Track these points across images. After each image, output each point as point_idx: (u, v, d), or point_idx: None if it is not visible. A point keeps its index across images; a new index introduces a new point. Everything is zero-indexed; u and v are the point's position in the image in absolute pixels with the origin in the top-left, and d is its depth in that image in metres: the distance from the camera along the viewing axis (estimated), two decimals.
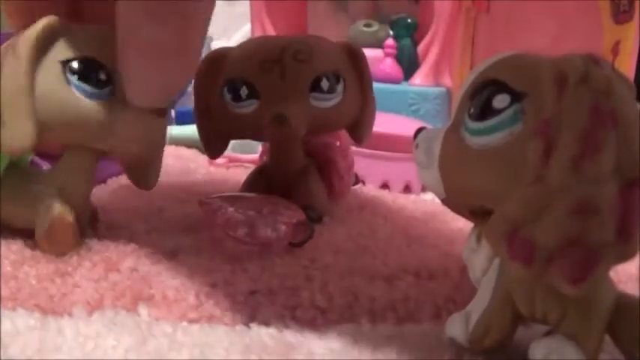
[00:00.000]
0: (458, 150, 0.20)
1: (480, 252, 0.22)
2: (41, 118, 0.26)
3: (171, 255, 0.29)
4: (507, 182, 0.18)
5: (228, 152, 0.48)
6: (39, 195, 0.28)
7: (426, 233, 0.34)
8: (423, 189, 0.45)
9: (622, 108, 0.18)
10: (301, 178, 0.35)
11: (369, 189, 0.44)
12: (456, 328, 0.21)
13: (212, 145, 0.36)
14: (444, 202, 0.22)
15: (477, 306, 0.21)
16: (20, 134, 0.26)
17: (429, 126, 0.24)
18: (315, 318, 0.24)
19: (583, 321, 0.19)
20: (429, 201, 0.42)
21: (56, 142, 0.28)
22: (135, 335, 0.21)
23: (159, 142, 0.30)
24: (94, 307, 0.24)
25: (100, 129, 0.27)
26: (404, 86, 0.63)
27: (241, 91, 0.32)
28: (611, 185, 0.17)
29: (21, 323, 0.22)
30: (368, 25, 0.70)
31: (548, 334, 0.20)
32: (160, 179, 0.32)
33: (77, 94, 0.26)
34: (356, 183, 0.41)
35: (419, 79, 0.64)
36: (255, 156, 0.46)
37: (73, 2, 0.30)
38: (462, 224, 0.30)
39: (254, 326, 0.23)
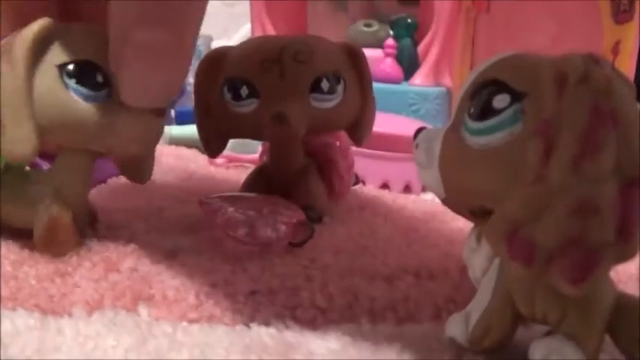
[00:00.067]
0: (458, 150, 0.20)
1: (480, 252, 0.22)
2: (40, 122, 0.26)
3: (171, 255, 0.29)
4: (507, 182, 0.18)
5: (228, 152, 0.48)
6: (37, 195, 0.28)
7: (426, 233, 0.34)
8: (423, 189, 0.45)
9: (622, 108, 0.18)
10: (301, 178, 0.35)
11: (369, 189, 0.44)
12: (456, 328, 0.21)
13: (212, 144, 0.36)
14: (444, 202, 0.22)
15: (477, 306, 0.21)
16: (22, 141, 0.26)
17: (429, 126, 0.24)
18: (315, 318, 0.24)
19: (583, 321, 0.19)
20: (429, 201, 0.42)
21: (54, 144, 0.28)
22: (135, 335, 0.21)
23: (156, 140, 0.30)
24: (93, 307, 0.24)
25: (99, 131, 0.27)
26: (404, 86, 0.63)
27: (241, 91, 0.32)
28: (611, 185, 0.17)
29: (21, 323, 0.22)
30: (368, 25, 0.70)
31: (548, 334, 0.20)
32: (159, 179, 0.32)
33: (75, 97, 0.26)
34: (356, 183, 0.41)
35: (419, 79, 0.64)
36: (255, 156, 0.46)
37: (68, 2, 0.30)
38: (462, 224, 0.30)
39: (254, 326, 0.23)
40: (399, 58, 0.64)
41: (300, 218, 0.31)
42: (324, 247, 0.30)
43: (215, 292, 0.25)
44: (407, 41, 0.67)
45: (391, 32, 0.68)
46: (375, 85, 0.36)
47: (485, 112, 0.19)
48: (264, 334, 0.22)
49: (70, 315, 0.23)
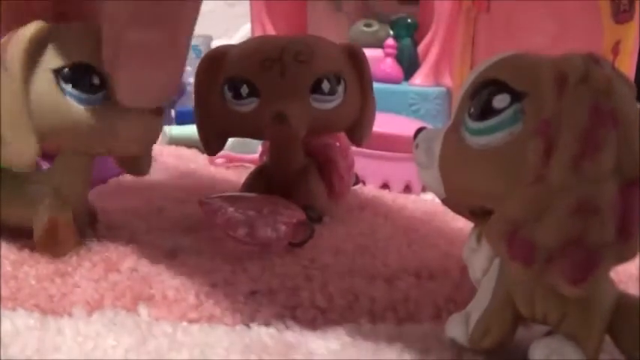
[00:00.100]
0: (458, 150, 0.20)
1: (481, 252, 0.22)
2: (39, 129, 0.26)
3: (171, 255, 0.29)
4: (507, 182, 0.18)
5: (228, 151, 0.48)
6: (36, 195, 0.28)
7: (426, 233, 0.34)
8: (424, 189, 0.45)
9: (622, 107, 0.18)
10: (301, 178, 0.35)
11: (370, 189, 0.44)
12: (456, 328, 0.21)
13: (211, 143, 0.36)
14: (444, 202, 0.22)
15: (477, 306, 0.21)
16: (24, 151, 0.26)
17: (429, 126, 0.24)
18: (315, 318, 0.24)
19: (583, 321, 0.19)
20: (429, 201, 0.42)
21: (54, 145, 0.28)
22: (135, 335, 0.21)
23: (155, 139, 0.30)
24: (93, 307, 0.24)
25: (100, 134, 0.27)
26: (404, 86, 0.63)
27: (242, 90, 0.32)
28: (612, 185, 0.17)
29: (21, 323, 0.22)
30: (368, 25, 0.70)
31: (548, 334, 0.20)
32: (159, 179, 0.32)
33: (72, 102, 0.26)
34: (356, 183, 0.41)
35: (419, 79, 0.64)
36: (255, 156, 0.46)
37: (66, 2, 0.30)
38: (462, 224, 0.30)
39: (254, 326, 0.23)
40: (399, 58, 0.64)
41: (300, 218, 0.31)
42: (324, 247, 0.30)
43: (215, 292, 0.25)
44: (407, 41, 0.67)
45: (391, 32, 0.68)
46: (375, 85, 0.36)
47: (486, 112, 0.19)
48: (264, 334, 0.22)
49: (70, 315, 0.23)
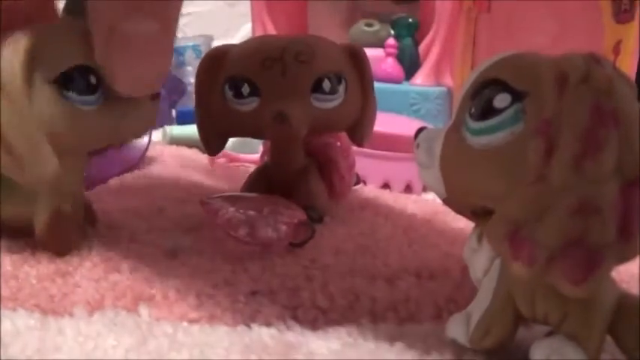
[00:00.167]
0: (459, 150, 0.20)
1: (481, 252, 0.22)
2: (50, 141, 0.26)
3: (171, 255, 0.29)
4: (508, 182, 0.18)
5: (228, 151, 0.48)
6: (35, 194, 0.28)
7: (427, 233, 0.34)
8: (424, 189, 0.45)
9: (623, 107, 0.17)
10: (302, 178, 0.35)
11: (370, 189, 0.44)
12: (457, 328, 0.21)
13: (212, 142, 0.36)
14: (445, 202, 0.22)
15: (478, 306, 0.21)
16: (46, 169, 0.26)
17: (429, 126, 0.24)
18: (316, 318, 0.24)
19: (584, 321, 0.19)
20: (430, 201, 0.42)
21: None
22: (135, 335, 0.21)
23: (153, 123, 0.31)
24: (94, 307, 0.24)
25: (104, 132, 0.27)
26: (405, 86, 0.63)
27: (242, 89, 0.32)
28: (613, 185, 0.17)
29: (21, 323, 0.22)
30: (369, 25, 0.70)
31: (549, 334, 0.20)
32: (159, 179, 0.32)
33: (76, 106, 0.26)
34: (357, 183, 0.41)
35: (420, 78, 0.64)
36: (256, 156, 0.46)
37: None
38: (463, 224, 0.30)
39: (255, 326, 0.23)
40: (400, 58, 0.64)
41: (301, 218, 0.31)
42: (325, 247, 0.30)
43: (216, 292, 0.25)
44: (408, 41, 0.67)
45: (392, 32, 0.68)
46: (376, 84, 0.36)
47: (487, 111, 0.19)
48: (264, 334, 0.22)
49: (70, 315, 0.23)
